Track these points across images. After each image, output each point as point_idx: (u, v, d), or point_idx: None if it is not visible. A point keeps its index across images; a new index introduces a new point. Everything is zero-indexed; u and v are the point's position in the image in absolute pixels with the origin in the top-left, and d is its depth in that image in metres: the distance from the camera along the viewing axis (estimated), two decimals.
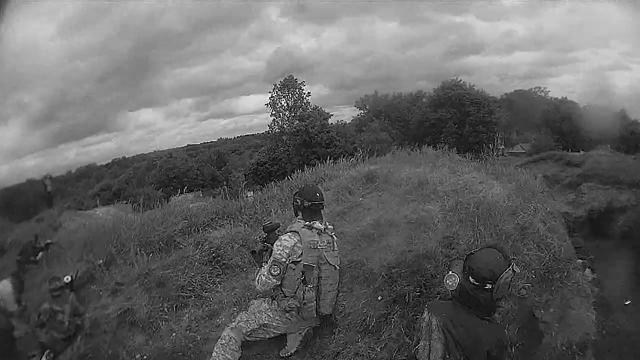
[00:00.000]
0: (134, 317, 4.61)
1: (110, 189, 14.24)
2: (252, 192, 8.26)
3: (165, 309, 4.67)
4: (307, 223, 3.67)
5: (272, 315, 3.72)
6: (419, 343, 2.69)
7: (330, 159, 7.89)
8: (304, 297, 3.62)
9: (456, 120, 15.59)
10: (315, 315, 3.76)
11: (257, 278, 3.62)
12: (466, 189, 5.17)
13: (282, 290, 3.65)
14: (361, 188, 5.93)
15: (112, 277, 5.18)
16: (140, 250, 5.35)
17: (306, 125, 17.77)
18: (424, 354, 2.62)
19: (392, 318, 3.93)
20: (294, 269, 3.56)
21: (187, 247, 5.44)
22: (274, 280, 3.55)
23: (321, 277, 3.67)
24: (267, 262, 3.68)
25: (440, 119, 15.35)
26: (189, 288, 4.87)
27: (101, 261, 5.47)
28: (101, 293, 5.09)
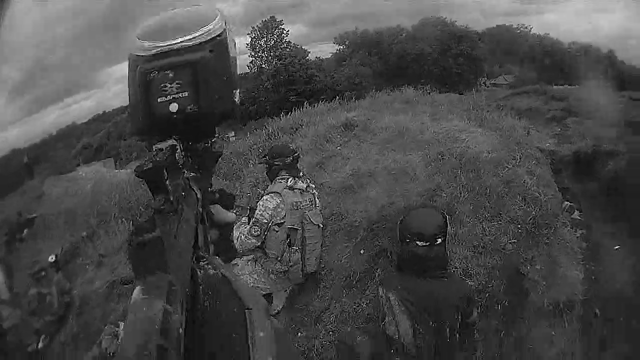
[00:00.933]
0: (121, 288, 4.56)
1: (91, 147, 13.85)
2: (233, 132, 8.14)
3: None
4: (288, 184, 3.54)
5: (257, 278, 3.66)
6: (384, 319, 2.59)
7: (310, 95, 7.73)
8: (290, 260, 3.57)
9: (437, 54, 15.29)
10: (301, 275, 3.74)
11: (237, 237, 3.55)
12: (448, 138, 5.02)
13: (265, 252, 3.58)
14: (339, 136, 5.76)
15: (95, 249, 5.14)
16: (121, 219, 5.26)
17: (286, 65, 17.47)
18: (391, 328, 2.52)
19: (376, 272, 3.91)
20: (277, 231, 3.47)
21: None
22: (254, 241, 3.46)
23: (305, 238, 3.60)
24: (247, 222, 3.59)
25: (421, 53, 15.03)
26: None
27: (85, 234, 5.44)
28: (87, 267, 5.08)
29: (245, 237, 3.46)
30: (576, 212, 5.56)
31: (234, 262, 3.99)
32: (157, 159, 0.70)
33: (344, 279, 3.97)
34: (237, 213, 3.69)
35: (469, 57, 16.25)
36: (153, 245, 0.56)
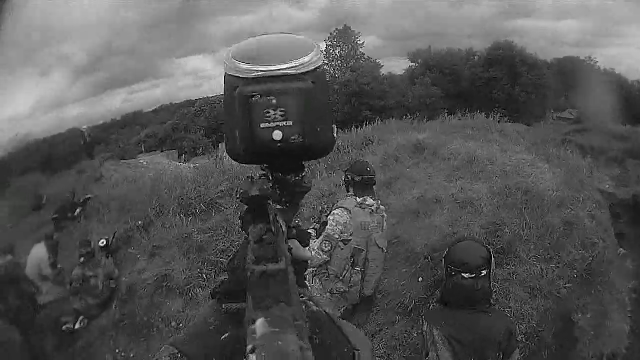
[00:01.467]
0: (171, 282, 4.60)
1: (156, 136, 14.10)
2: None
3: (204, 275, 4.62)
4: (359, 200, 3.45)
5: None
6: (427, 355, 2.49)
7: (381, 111, 7.63)
8: (350, 280, 3.47)
9: (507, 80, 15.07)
10: (358, 297, 3.69)
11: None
12: (515, 171, 4.99)
13: (326, 269, 3.47)
14: (409, 157, 5.74)
15: (150, 240, 5.17)
16: (179, 213, 5.32)
17: (357, 76, 17.60)
18: None
19: (431, 302, 3.83)
20: (342, 249, 3.36)
21: (229, 209, 5.32)
22: (324, 257, 3.34)
23: (368, 259, 3.49)
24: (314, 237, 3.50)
25: (492, 77, 14.84)
26: (228, 253, 4.70)
27: (140, 222, 5.46)
28: (138, 256, 5.10)
29: (316, 252, 3.34)
30: (629, 261, 5.41)
31: None
32: (264, 187, 0.71)
33: (399, 305, 3.94)
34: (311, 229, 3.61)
35: (538, 86, 16.00)
36: (279, 276, 0.56)
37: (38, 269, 5.19)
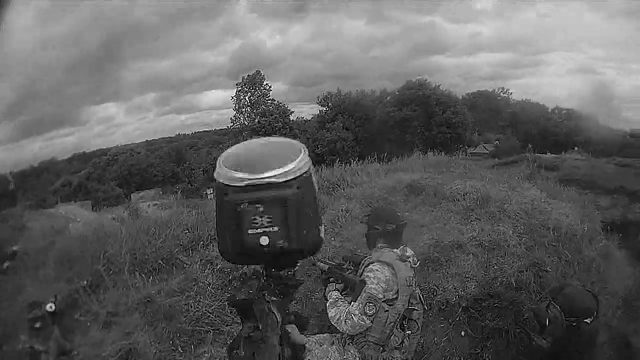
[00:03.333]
0: (138, 358, 3.68)
1: (70, 185, 13.11)
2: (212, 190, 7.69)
3: (179, 348, 3.74)
4: (399, 253, 2.85)
5: None
6: None
7: None
8: (394, 345, 2.79)
9: (421, 120, 15.50)
10: None
11: (343, 317, 2.70)
12: (534, 209, 4.74)
13: (365, 336, 2.75)
14: (403, 200, 5.28)
15: (101, 304, 4.15)
16: (134, 272, 4.38)
17: (270, 121, 17.53)
18: None
19: (486, 357, 3.45)
20: (387, 310, 2.71)
21: (193, 266, 4.56)
22: (368, 322, 2.66)
23: (414, 320, 2.89)
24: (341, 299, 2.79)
25: (405, 118, 15.13)
26: (205, 320, 3.97)
27: (85, 282, 4.40)
28: (89, 324, 4.07)
29: (359, 317, 2.65)
30: None
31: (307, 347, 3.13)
32: (250, 291, 0.84)
33: None
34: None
35: (452, 124, 16.57)
36: None
37: None
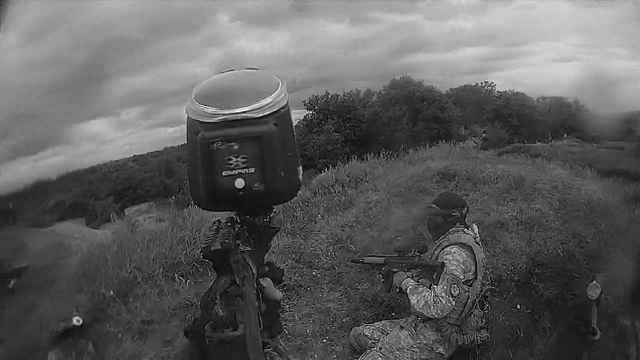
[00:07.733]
0: None
1: (64, 204, 12.70)
2: None
3: None
4: (472, 234, 2.95)
5: (418, 352, 2.83)
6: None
7: None
8: (471, 326, 2.87)
9: (409, 117, 15.69)
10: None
11: (431, 301, 2.70)
12: (564, 185, 4.91)
13: (447, 317, 2.80)
14: (436, 187, 5.31)
15: (133, 313, 3.97)
16: (168, 276, 4.28)
17: None
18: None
19: (543, 326, 3.48)
20: (466, 291, 2.78)
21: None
22: (454, 303, 2.73)
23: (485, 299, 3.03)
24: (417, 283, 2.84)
25: (392, 117, 15.32)
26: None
27: (112, 292, 4.18)
28: (120, 335, 3.85)
29: (446, 299, 2.69)
30: None
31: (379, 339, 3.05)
32: (226, 240, 0.73)
33: (506, 338, 3.44)
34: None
35: (439, 120, 16.81)
36: (236, 343, 0.66)
37: None
